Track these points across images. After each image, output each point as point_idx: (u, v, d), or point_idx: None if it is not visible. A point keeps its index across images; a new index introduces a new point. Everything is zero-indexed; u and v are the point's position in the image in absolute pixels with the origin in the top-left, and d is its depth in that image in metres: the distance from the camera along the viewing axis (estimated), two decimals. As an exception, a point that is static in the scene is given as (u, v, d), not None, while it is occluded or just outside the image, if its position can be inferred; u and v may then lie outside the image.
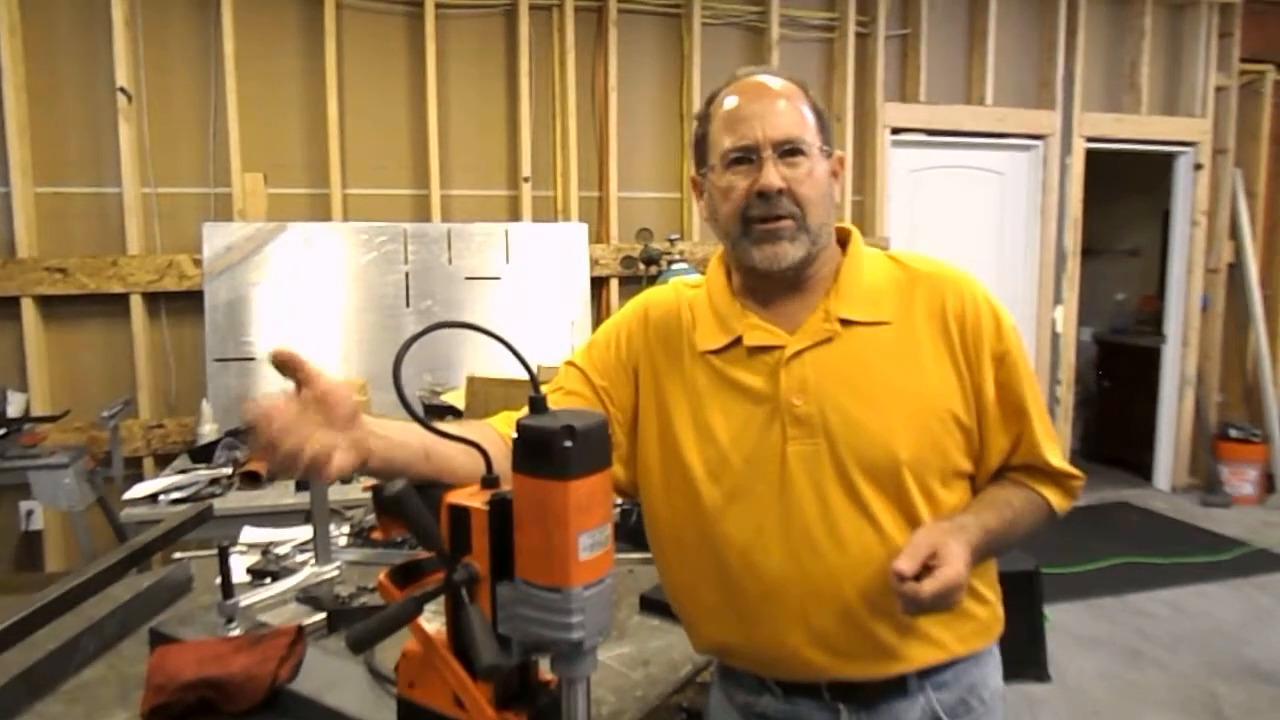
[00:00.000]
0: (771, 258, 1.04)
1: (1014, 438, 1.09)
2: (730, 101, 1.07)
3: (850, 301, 1.07)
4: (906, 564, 0.92)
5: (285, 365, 0.80)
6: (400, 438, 0.87)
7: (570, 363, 1.19)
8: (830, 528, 1.02)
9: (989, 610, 1.11)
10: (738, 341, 1.09)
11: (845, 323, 1.06)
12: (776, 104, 1.05)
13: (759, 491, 1.05)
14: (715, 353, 1.10)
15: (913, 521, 1.02)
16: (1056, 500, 1.12)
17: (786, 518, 1.03)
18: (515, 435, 0.71)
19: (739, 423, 1.06)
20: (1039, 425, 1.09)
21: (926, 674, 1.06)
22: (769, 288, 1.10)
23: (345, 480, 0.85)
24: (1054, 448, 1.11)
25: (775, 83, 1.08)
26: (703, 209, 1.14)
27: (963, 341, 1.06)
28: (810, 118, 1.06)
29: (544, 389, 0.78)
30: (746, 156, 1.04)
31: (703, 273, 1.20)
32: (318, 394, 0.80)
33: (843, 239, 1.15)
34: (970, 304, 1.07)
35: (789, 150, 1.03)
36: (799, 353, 1.05)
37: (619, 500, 1.68)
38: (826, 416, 1.03)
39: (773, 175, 1.02)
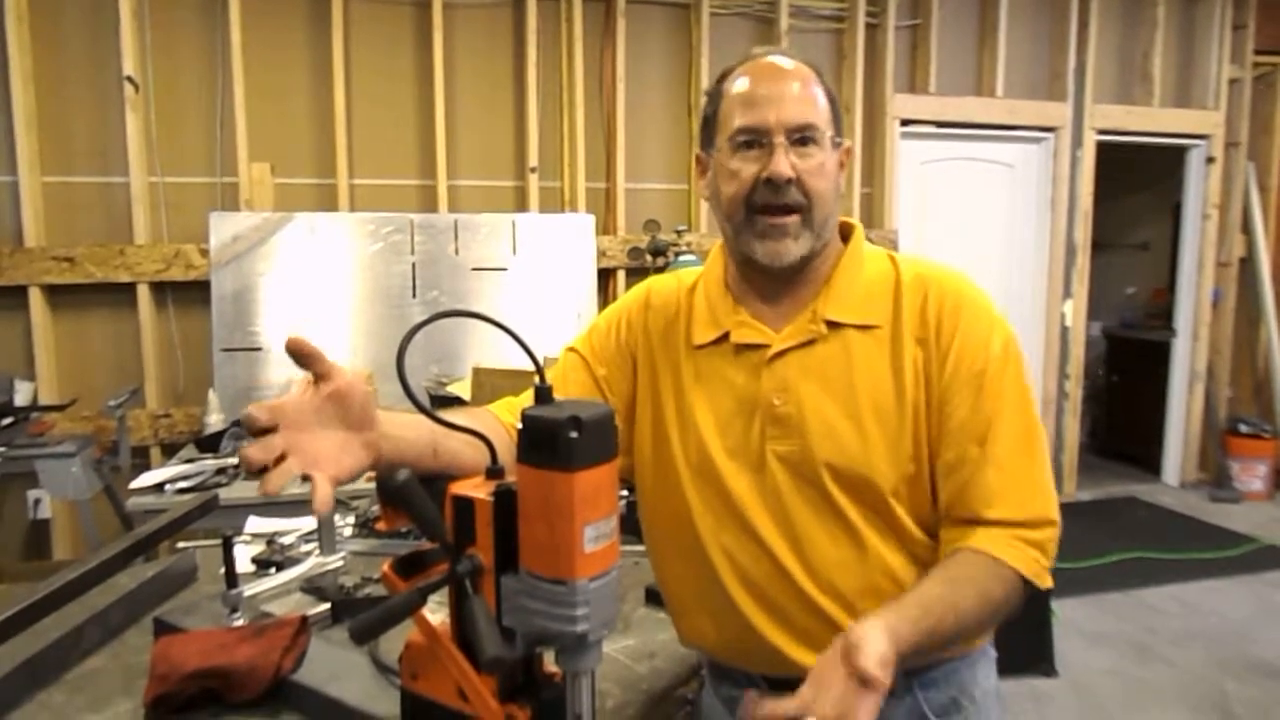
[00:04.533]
0: (774, 255, 1.01)
1: (955, 477, 0.97)
2: (743, 82, 1.03)
3: (840, 303, 1.03)
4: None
5: (303, 356, 0.78)
6: (409, 435, 0.86)
7: (572, 349, 1.17)
8: (808, 528, 1.01)
9: None
10: (726, 337, 1.07)
11: (832, 325, 1.02)
12: (791, 87, 1.01)
13: (739, 489, 1.03)
14: (705, 347, 1.08)
15: (890, 525, 1.00)
16: (1018, 561, 0.95)
17: (766, 516, 1.02)
18: (520, 426, 0.70)
19: (724, 419, 1.05)
20: (996, 468, 0.96)
21: (914, 672, 1.02)
22: (766, 281, 1.06)
23: None
24: (1013, 500, 0.96)
25: (790, 65, 1.03)
26: (704, 187, 1.09)
27: (939, 349, 0.99)
28: (824, 104, 1.02)
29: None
30: (757, 140, 1.00)
31: None
32: (335, 390, 0.79)
33: (845, 234, 1.10)
34: (951, 308, 1.00)
35: (802, 138, 1.00)
36: (782, 353, 1.03)
37: (624, 491, 1.68)
38: (805, 418, 1.00)
39: (783, 163, 0.98)
